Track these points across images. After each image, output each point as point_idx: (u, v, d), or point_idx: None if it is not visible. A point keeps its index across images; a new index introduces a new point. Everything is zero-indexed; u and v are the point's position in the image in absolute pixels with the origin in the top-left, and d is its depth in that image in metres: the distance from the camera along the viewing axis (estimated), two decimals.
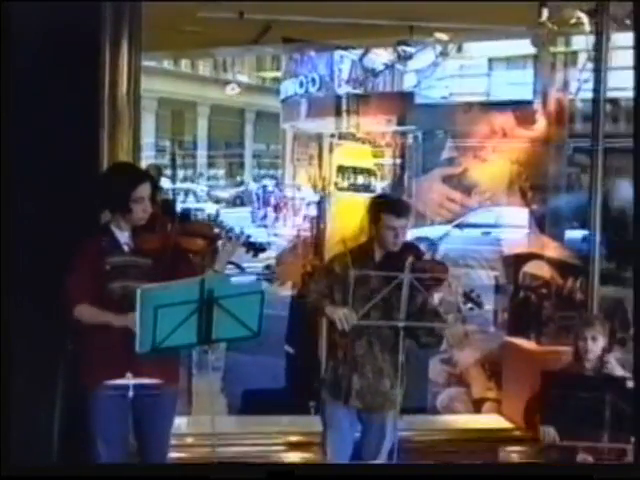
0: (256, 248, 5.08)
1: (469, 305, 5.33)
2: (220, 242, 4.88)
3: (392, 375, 5.23)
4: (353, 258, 5.19)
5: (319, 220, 8.21)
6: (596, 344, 5.55)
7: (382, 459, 5.33)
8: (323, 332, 5.50)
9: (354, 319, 4.99)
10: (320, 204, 8.49)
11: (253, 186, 21.87)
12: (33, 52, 5.30)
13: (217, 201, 20.65)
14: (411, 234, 6.17)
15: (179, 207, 6.74)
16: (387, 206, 5.25)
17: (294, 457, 5.76)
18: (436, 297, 5.18)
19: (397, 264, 5.04)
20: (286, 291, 7.75)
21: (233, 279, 4.64)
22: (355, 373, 5.21)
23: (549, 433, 5.40)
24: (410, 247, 5.29)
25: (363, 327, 5.12)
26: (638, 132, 5.55)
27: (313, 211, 8.30)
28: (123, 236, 4.81)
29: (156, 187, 5.17)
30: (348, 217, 7.47)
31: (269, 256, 7.41)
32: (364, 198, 8.13)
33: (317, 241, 7.95)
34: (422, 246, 5.71)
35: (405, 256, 5.09)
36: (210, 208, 17.81)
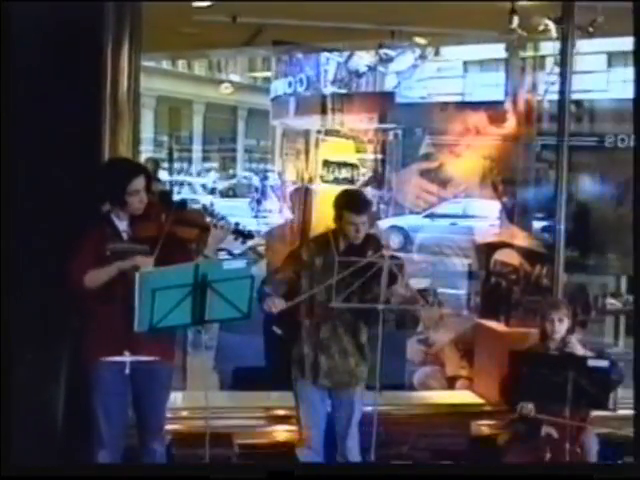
0: (244, 235, 5.13)
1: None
2: (211, 230, 4.91)
3: (356, 354, 5.30)
4: (319, 247, 5.27)
5: (305, 210, 8.21)
6: (561, 325, 5.60)
7: (353, 431, 5.37)
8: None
9: (282, 306, 5.08)
10: (306, 195, 8.50)
11: (246, 178, 21.84)
12: (43, 54, 5.29)
13: (211, 192, 20.62)
14: (391, 222, 6.29)
15: (175, 198, 6.74)
16: (348, 204, 5.27)
17: (281, 429, 5.78)
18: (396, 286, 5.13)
19: (358, 255, 5.07)
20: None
21: (225, 264, 4.64)
22: (322, 354, 5.27)
23: (527, 408, 5.44)
24: (371, 239, 5.31)
25: (327, 312, 5.17)
26: (638, 132, 5.55)
27: (300, 202, 8.29)
28: (122, 224, 4.85)
29: (152, 179, 5.18)
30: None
31: (258, 242, 7.41)
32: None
33: (303, 229, 7.96)
34: (396, 236, 5.70)
35: (366, 248, 5.15)
36: (204, 199, 17.77)
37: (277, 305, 5.10)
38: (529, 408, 5.39)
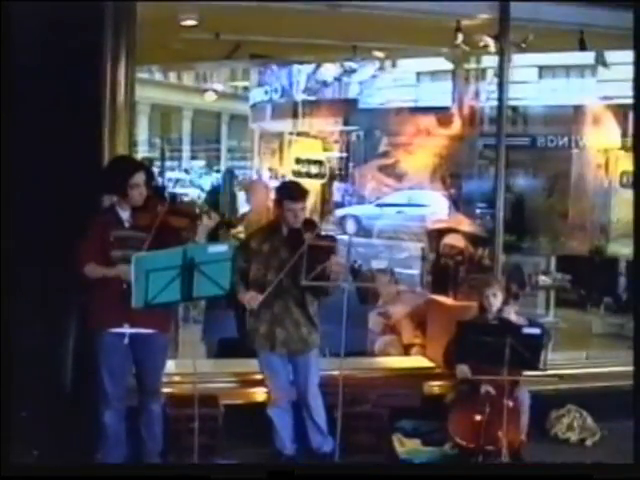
0: (228, 224, 5.14)
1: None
2: (200, 220, 4.91)
3: (307, 324, 5.32)
4: (266, 234, 5.28)
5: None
6: (496, 299, 5.64)
7: (313, 391, 5.39)
8: None
9: (259, 299, 5.08)
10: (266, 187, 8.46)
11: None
12: (51, 67, 5.30)
13: (198, 187, 20.52)
14: (355, 212, 6.30)
15: (168, 192, 6.69)
16: (286, 193, 5.28)
17: (260, 391, 5.78)
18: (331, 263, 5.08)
19: (299, 238, 5.08)
20: None
21: (210, 248, 4.63)
22: (277, 327, 5.28)
23: (462, 370, 5.50)
24: (309, 224, 5.29)
25: (279, 289, 5.17)
26: (638, 132, 5.56)
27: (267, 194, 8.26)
28: (125, 214, 4.86)
29: (151, 175, 5.18)
30: None
31: (240, 230, 7.39)
32: (315, 183, 8.19)
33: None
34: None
35: (304, 231, 5.14)
36: (193, 193, 17.67)
37: (254, 298, 5.11)
38: (464, 371, 5.44)
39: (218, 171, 22.50)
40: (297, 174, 9.23)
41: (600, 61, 8.48)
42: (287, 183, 5.90)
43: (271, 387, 5.48)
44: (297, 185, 5.58)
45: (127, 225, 4.85)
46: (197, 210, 5.17)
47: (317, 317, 5.38)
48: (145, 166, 5.21)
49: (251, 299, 5.12)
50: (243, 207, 9.26)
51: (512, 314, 5.70)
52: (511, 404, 5.37)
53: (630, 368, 5.02)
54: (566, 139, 11.99)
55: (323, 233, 5.35)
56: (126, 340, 4.80)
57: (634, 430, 4.53)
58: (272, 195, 6.38)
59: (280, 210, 5.24)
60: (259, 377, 5.68)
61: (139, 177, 4.81)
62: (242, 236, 7.40)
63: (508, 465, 4.82)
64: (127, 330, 4.79)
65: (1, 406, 4.41)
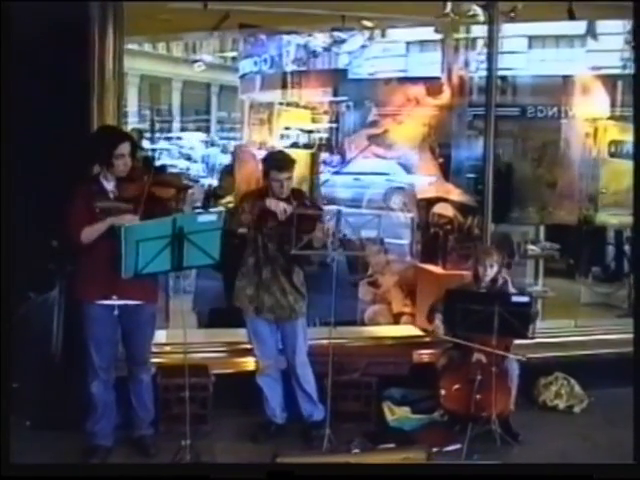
0: (215, 195, 5.13)
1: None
2: (187, 190, 4.88)
3: (294, 292, 5.33)
4: (254, 202, 5.21)
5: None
6: (492, 269, 5.65)
7: (301, 359, 5.41)
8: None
9: (290, 209, 5.03)
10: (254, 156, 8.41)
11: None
12: (39, 41, 5.27)
13: (188, 158, 20.40)
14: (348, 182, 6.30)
15: (156, 163, 6.64)
16: (272, 163, 5.27)
17: (249, 360, 5.78)
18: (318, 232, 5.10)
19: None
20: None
21: (199, 217, 4.61)
22: (265, 293, 5.28)
23: (438, 327, 5.56)
24: (296, 193, 5.29)
25: (267, 256, 5.21)
26: (638, 131, 5.54)
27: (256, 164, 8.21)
28: (109, 185, 4.83)
29: (136, 146, 5.13)
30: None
31: (229, 200, 7.35)
32: (305, 152, 8.14)
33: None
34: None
35: (291, 201, 5.13)
36: (182, 164, 17.57)
37: (288, 210, 5.05)
38: (439, 328, 5.55)
39: (209, 142, 22.39)
40: (287, 144, 9.20)
41: (590, 32, 8.45)
42: (273, 153, 5.85)
43: (259, 354, 5.49)
44: (283, 154, 5.54)
45: (111, 196, 4.81)
46: (184, 181, 5.13)
47: (303, 286, 5.39)
48: (130, 136, 5.17)
49: (284, 207, 5.05)
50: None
51: (509, 283, 5.72)
52: (501, 372, 5.40)
53: (617, 336, 5.04)
54: (555, 109, 11.95)
55: (308, 203, 5.32)
56: (115, 311, 4.78)
57: (634, 430, 4.49)
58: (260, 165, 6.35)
59: (267, 180, 5.22)
60: (249, 346, 5.69)
61: (124, 147, 4.77)
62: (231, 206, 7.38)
63: (508, 465, 4.76)
64: (115, 302, 4.77)
65: (1, 406, 4.37)
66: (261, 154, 6.48)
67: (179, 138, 22.26)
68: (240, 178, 7.29)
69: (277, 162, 5.25)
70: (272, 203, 5.08)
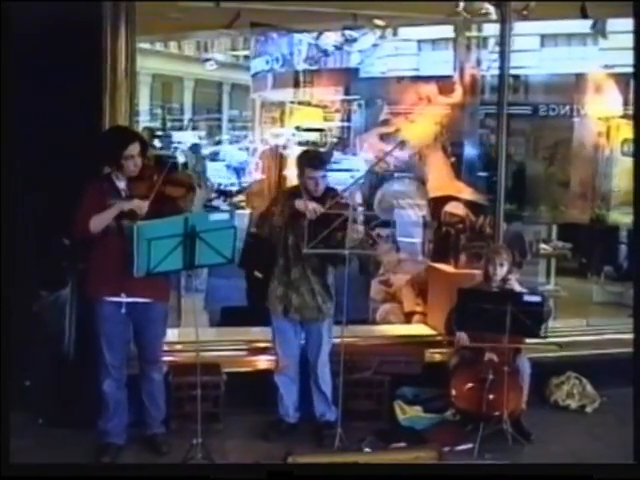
0: (225, 194, 5.13)
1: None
2: (197, 189, 4.89)
3: (323, 293, 5.30)
4: (288, 200, 5.20)
5: (280, 169, 8.16)
6: (502, 269, 5.63)
7: (323, 360, 5.40)
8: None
9: (320, 210, 4.99)
10: (281, 156, 8.43)
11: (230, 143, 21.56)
12: (52, 39, 5.27)
13: (202, 158, 20.43)
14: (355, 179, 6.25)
15: (167, 161, 6.66)
16: (307, 160, 5.25)
17: (261, 359, 5.79)
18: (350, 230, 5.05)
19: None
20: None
21: (211, 216, 4.61)
22: (293, 292, 5.27)
23: (461, 337, 5.50)
24: (331, 192, 5.25)
25: (298, 256, 5.17)
26: (638, 132, 5.52)
27: (276, 162, 8.24)
28: (121, 184, 4.85)
29: (147, 146, 5.14)
30: None
31: (242, 199, 7.37)
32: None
33: (279, 186, 7.91)
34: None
35: (324, 200, 5.10)
36: (193, 162, 17.57)
37: (317, 211, 5.00)
38: (463, 338, 5.45)
39: (219, 141, 22.40)
40: (298, 142, 9.20)
41: (599, 30, 8.42)
42: (307, 151, 5.90)
43: (280, 353, 5.47)
44: (317, 153, 5.57)
45: (123, 195, 4.82)
46: (194, 179, 5.13)
47: (333, 287, 5.36)
48: (140, 136, 5.18)
49: (314, 208, 5.01)
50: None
51: (515, 283, 5.69)
52: (513, 371, 5.39)
53: (629, 336, 5.00)
54: (567, 107, 11.91)
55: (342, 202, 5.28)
56: (123, 309, 4.80)
57: (634, 430, 4.47)
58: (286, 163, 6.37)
59: (302, 178, 5.21)
60: (261, 345, 5.69)
61: (133, 148, 4.77)
62: (243, 204, 7.40)
63: (508, 465, 4.74)
64: (124, 299, 4.78)
65: (1, 406, 4.37)
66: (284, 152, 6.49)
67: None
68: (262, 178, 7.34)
69: (312, 160, 5.24)
70: (301, 204, 5.07)
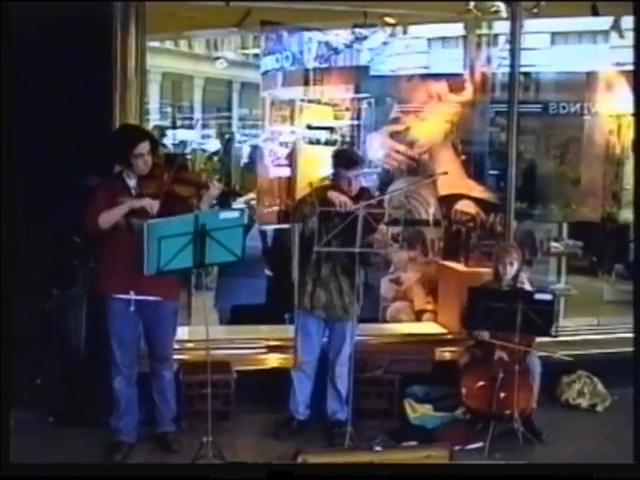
0: (234, 193, 5.15)
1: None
2: (206, 188, 4.87)
3: (350, 293, 5.28)
4: (320, 198, 5.17)
5: (291, 168, 8.14)
6: (512, 267, 5.62)
7: (343, 359, 5.39)
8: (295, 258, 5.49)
9: (350, 204, 4.99)
10: (291, 156, 8.42)
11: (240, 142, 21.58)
12: (59, 37, 5.29)
13: (209, 156, 20.42)
14: (365, 179, 6.25)
15: (177, 160, 6.65)
16: (341, 160, 5.26)
17: (272, 357, 5.79)
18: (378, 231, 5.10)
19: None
20: (265, 226, 7.72)
21: (221, 214, 4.61)
22: (321, 289, 5.26)
23: (484, 336, 5.47)
24: (364, 192, 5.28)
25: (327, 253, 5.14)
26: (638, 132, 5.51)
27: (286, 161, 8.23)
28: (131, 182, 4.86)
29: (157, 144, 5.15)
30: (314, 166, 7.47)
31: (251, 197, 7.36)
32: (327, 150, 8.09)
33: (289, 185, 7.91)
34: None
35: (358, 200, 5.09)
36: (203, 161, 17.58)
37: (349, 205, 5.02)
38: (485, 335, 5.43)
39: (229, 140, 22.42)
40: (309, 141, 9.16)
41: (617, 29, 8.39)
42: (341, 150, 5.94)
43: (300, 349, 5.45)
44: (351, 153, 5.59)
45: (134, 192, 4.84)
46: (203, 178, 5.14)
47: (362, 287, 5.36)
48: (150, 135, 5.19)
49: (345, 201, 5.02)
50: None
51: (526, 281, 5.68)
52: (523, 370, 5.38)
53: None
54: (578, 105, 11.83)
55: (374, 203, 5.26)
56: (132, 307, 4.80)
57: (634, 430, 4.48)
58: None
59: (335, 177, 5.23)
60: (271, 343, 5.69)
61: (143, 147, 4.78)
62: (254, 203, 7.39)
63: (508, 465, 4.73)
64: (132, 297, 4.79)
65: (1, 406, 4.38)
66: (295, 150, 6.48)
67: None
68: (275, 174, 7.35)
69: (345, 159, 5.26)
70: (333, 195, 5.07)
